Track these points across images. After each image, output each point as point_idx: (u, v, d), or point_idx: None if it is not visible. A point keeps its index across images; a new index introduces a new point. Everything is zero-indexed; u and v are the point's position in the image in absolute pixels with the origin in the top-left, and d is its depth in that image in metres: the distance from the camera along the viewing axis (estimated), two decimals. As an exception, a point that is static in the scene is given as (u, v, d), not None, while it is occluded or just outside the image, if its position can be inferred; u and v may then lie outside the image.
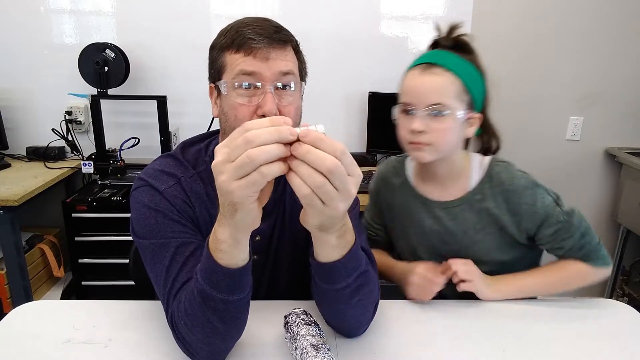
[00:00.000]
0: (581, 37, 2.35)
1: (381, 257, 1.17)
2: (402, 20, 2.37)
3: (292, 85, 0.84)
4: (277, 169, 0.57)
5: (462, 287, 1.01)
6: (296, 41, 0.88)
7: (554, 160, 2.52)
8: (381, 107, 2.37)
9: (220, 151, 0.58)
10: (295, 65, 0.86)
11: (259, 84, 0.81)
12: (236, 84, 0.82)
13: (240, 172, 0.56)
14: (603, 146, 2.51)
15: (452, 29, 1.03)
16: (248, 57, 0.81)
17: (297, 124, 0.89)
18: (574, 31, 2.34)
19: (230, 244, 0.67)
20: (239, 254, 0.69)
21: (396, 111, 1.02)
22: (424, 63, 0.99)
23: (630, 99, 2.45)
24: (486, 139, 1.09)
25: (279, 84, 0.82)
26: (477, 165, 1.07)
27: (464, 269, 1.02)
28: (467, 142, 1.09)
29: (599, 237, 1.04)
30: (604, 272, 1.03)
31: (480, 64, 1.03)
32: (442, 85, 0.97)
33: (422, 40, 2.40)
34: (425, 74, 0.97)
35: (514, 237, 1.05)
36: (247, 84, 0.81)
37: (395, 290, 1.25)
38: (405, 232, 1.14)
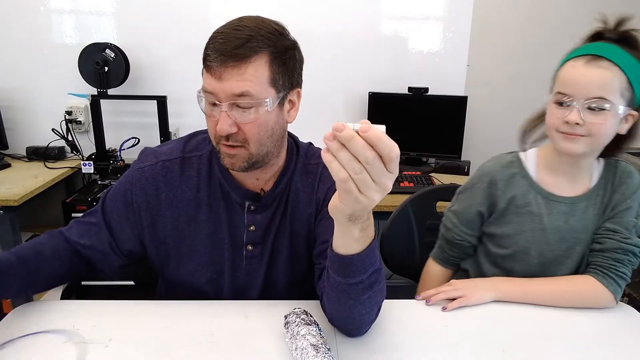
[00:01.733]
0: (581, 37, 2.35)
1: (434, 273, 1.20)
2: (402, 21, 2.38)
3: (251, 104, 0.82)
4: None
5: (454, 305, 0.98)
6: (277, 50, 0.84)
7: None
8: (381, 107, 2.38)
9: None
10: (258, 82, 0.82)
11: (217, 102, 0.83)
12: (202, 99, 0.86)
13: None
14: (603, 146, 2.51)
15: (621, 21, 0.99)
16: (208, 74, 0.83)
17: (265, 138, 0.87)
18: (575, 31, 2.34)
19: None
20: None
21: (549, 99, 1.00)
22: (589, 55, 0.96)
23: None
24: (627, 138, 1.03)
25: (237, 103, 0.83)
26: (596, 160, 1.07)
27: (451, 288, 1.02)
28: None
29: (632, 279, 1.03)
30: (609, 299, 1.00)
31: None
32: (607, 79, 0.93)
33: (422, 40, 2.41)
34: (590, 66, 0.94)
35: None
36: (207, 102, 0.85)
37: (396, 290, 1.25)
38: (519, 229, 1.08)
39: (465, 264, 1.20)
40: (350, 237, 0.70)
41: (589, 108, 0.94)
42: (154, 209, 0.96)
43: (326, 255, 0.90)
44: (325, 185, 0.98)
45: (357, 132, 0.55)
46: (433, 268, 1.22)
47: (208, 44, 0.83)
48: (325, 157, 0.58)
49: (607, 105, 0.93)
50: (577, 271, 1.08)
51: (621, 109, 0.94)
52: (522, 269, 1.09)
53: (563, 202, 1.06)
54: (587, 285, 1.02)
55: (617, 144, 1.03)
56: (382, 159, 0.56)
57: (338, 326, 0.87)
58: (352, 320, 0.84)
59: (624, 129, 0.99)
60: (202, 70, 0.85)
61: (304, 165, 1.00)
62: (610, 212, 1.05)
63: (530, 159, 1.10)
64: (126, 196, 0.96)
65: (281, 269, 1.00)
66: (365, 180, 0.57)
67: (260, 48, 0.81)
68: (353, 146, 0.55)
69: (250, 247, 0.98)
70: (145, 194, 0.96)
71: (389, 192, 0.60)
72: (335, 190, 0.97)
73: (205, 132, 1.03)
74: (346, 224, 0.68)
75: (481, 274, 1.15)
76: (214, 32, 0.84)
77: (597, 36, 1.01)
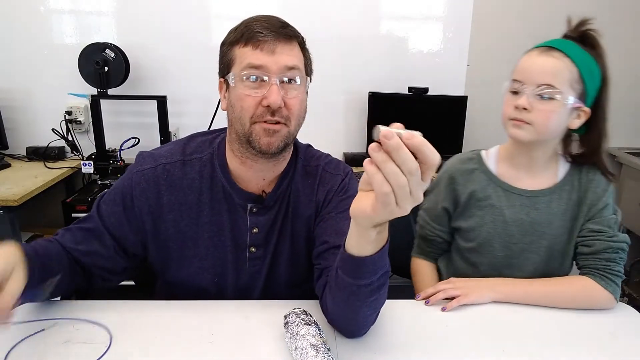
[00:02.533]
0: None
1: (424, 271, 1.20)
2: (402, 21, 2.38)
3: (298, 79, 0.87)
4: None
5: (453, 304, 0.98)
6: (302, 38, 0.91)
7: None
8: (381, 107, 2.38)
9: None
10: (300, 60, 0.89)
11: (265, 77, 0.85)
12: (244, 76, 0.85)
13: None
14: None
15: (582, 22, 1.02)
16: (256, 51, 0.84)
17: (302, 117, 0.92)
18: (574, 31, 2.35)
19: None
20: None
21: (504, 88, 1.03)
22: (545, 46, 1.00)
23: (630, 99, 2.45)
24: (588, 141, 1.05)
25: (285, 78, 0.86)
26: (563, 159, 1.09)
27: (450, 286, 1.02)
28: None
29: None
30: (610, 299, 1.00)
31: (604, 61, 1.01)
32: (557, 68, 0.96)
33: (422, 40, 2.40)
34: (543, 55, 0.98)
35: (575, 234, 1.08)
36: (254, 77, 0.85)
37: (396, 290, 1.25)
38: (481, 222, 1.10)
39: (440, 262, 1.22)
40: (366, 239, 0.69)
41: (539, 95, 0.97)
42: (155, 212, 0.95)
43: (325, 256, 0.90)
44: (324, 187, 0.98)
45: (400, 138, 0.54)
46: (419, 264, 1.22)
47: (250, 26, 0.86)
48: (369, 169, 0.57)
49: (555, 94, 0.96)
50: (545, 266, 1.08)
51: (570, 99, 0.96)
52: (488, 261, 1.10)
53: (524, 195, 1.07)
54: (586, 287, 1.01)
55: (588, 148, 1.05)
56: (423, 167, 0.55)
57: (338, 327, 0.87)
58: (355, 322, 0.84)
59: (575, 124, 1.01)
60: (236, 53, 0.86)
61: (303, 167, 1.00)
62: (588, 212, 1.06)
63: (492, 155, 1.14)
64: (125, 200, 0.94)
65: (282, 270, 1.00)
66: (405, 193, 0.56)
67: (294, 33, 0.89)
68: (400, 156, 0.54)
69: (253, 249, 0.98)
70: (147, 197, 0.94)
71: (420, 202, 0.59)
72: (335, 193, 0.98)
73: (204, 134, 1.02)
74: (367, 229, 0.67)
75: (454, 270, 1.17)
76: (248, 20, 0.88)
77: (563, 37, 1.05)
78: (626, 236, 1.05)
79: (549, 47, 0.99)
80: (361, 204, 0.63)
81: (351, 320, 0.84)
